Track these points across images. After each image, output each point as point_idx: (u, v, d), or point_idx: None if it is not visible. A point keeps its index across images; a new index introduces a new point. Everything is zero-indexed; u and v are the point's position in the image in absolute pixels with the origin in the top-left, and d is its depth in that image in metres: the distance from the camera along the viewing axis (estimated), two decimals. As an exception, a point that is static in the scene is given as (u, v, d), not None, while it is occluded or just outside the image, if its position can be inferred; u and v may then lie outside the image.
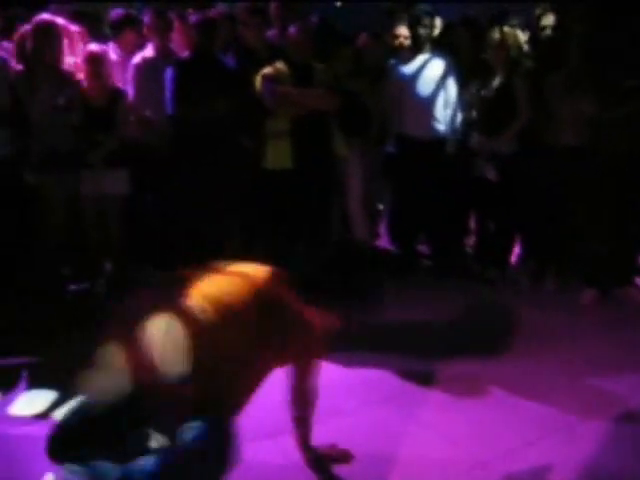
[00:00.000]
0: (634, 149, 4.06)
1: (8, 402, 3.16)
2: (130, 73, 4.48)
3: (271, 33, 4.94)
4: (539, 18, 4.97)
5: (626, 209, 4.22)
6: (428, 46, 4.81)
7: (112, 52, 4.46)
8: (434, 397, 3.23)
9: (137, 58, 4.49)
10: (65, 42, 4.12)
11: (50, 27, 4.07)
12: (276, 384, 3.21)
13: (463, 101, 4.72)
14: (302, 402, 2.67)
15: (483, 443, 2.83)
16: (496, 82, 4.53)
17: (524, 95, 4.44)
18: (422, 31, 4.77)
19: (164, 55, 4.47)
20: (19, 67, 4.13)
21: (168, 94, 4.31)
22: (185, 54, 4.53)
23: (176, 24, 4.65)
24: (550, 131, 4.36)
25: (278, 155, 4.35)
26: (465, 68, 4.77)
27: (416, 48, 4.81)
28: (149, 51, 4.50)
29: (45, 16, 4.15)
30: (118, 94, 4.31)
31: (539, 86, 4.43)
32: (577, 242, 4.44)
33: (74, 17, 4.51)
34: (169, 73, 4.32)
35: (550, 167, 4.36)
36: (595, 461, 2.70)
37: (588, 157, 4.23)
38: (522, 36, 4.76)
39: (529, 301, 4.33)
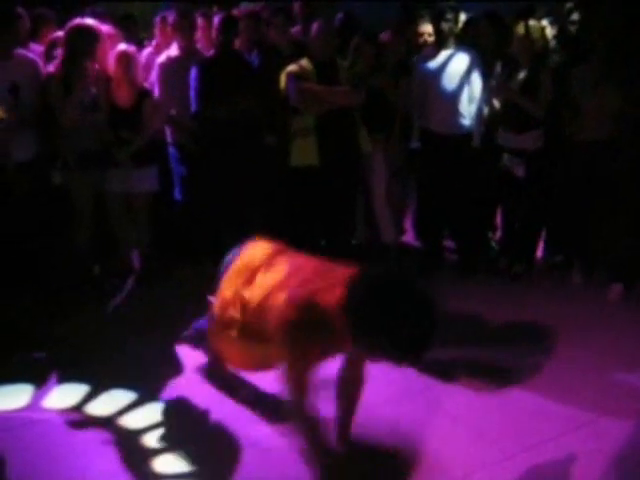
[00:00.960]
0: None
1: (42, 395, 3.23)
2: (155, 72, 4.54)
3: (295, 30, 4.97)
4: (569, 13, 4.94)
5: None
6: (452, 41, 4.79)
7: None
8: (460, 391, 3.24)
9: (162, 57, 4.55)
10: (98, 45, 4.17)
11: (86, 31, 4.11)
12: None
13: (488, 96, 4.70)
14: (349, 392, 2.72)
15: (509, 437, 2.84)
16: (521, 76, 4.51)
17: (548, 90, 4.41)
18: (445, 26, 4.76)
19: (189, 54, 4.51)
20: (50, 69, 4.19)
21: (192, 93, 4.36)
22: (210, 53, 4.58)
23: (201, 23, 4.70)
24: (576, 126, 4.32)
25: (304, 152, 4.38)
26: (489, 62, 4.76)
27: (439, 43, 4.80)
28: (174, 50, 4.56)
29: (81, 20, 4.19)
30: (145, 93, 4.37)
31: (566, 81, 4.40)
32: (603, 237, 4.41)
33: (109, 19, 4.59)
34: (193, 72, 4.36)
35: (576, 162, 4.33)
36: (619, 456, 2.70)
37: (614, 151, 4.19)
38: (550, 30, 4.72)
39: (556, 296, 4.31)
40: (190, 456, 2.77)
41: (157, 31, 4.88)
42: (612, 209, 4.33)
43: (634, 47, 4.22)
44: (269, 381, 3.27)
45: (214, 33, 4.51)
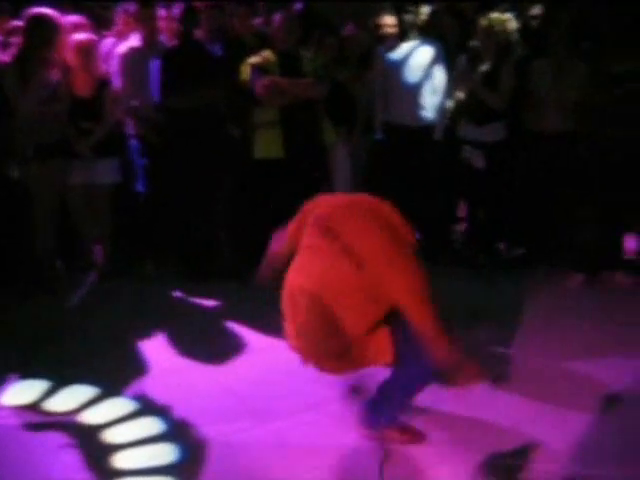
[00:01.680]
0: (618, 134, 4.08)
1: None
2: (116, 63, 4.46)
3: (257, 22, 4.93)
4: (528, 7, 4.99)
5: (613, 193, 4.24)
6: (414, 33, 4.81)
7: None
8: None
9: (123, 47, 4.47)
10: (58, 35, 4.08)
11: (45, 20, 4.02)
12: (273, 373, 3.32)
13: (450, 87, 4.73)
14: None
15: (476, 427, 2.86)
16: (484, 68, 4.54)
17: (510, 82, 4.45)
18: (407, 18, 4.78)
19: (150, 45, 4.45)
20: (5, 58, 4.08)
21: (155, 84, 4.30)
22: (172, 44, 4.52)
23: (162, 14, 4.64)
24: (537, 118, 4.38)
25: (268, 144, 4.35)
26: (452, 55, 4.78)
27: (401, 35, 4.81)
28: (135, 41, 4.48)
29: (39, 9, 4.09)
30: (105, 83, 4.29)
31: (527, 73, 4.45)
32: (564, 227, 4.47)
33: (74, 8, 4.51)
34: (156, 63, 4.30)
35: (536, 154, 4.39)
36: (582, 443, 2.74)
37: (574, 142, 4.25)
38: (513, 23, 4.75)
39: (518, 286, 4.36)
40: (153, 452, 2.74)
41: (118, 21, 4.80)
42: (573, 199, 4.40)
43: (593, 41, 4.29)
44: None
45: (175, 24, 4.46)
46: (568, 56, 4.29)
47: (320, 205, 2.70)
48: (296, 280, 2.61)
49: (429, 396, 2.80)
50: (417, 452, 2.71)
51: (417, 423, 2.83)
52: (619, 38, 4.09)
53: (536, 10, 4.92)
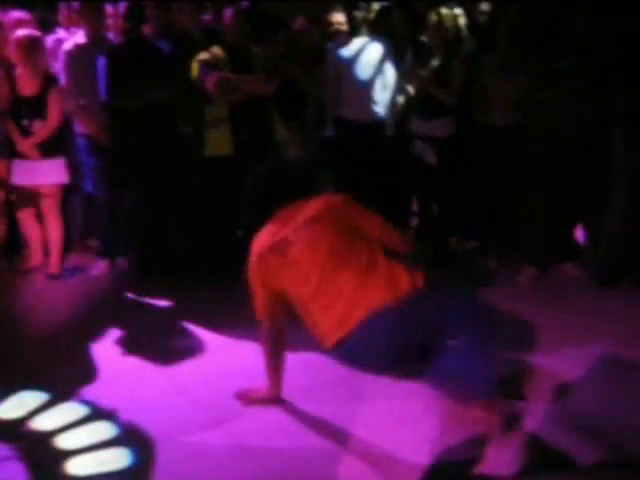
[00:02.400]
0: (564, 128, 4.15)
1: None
2: (61, 60, 4.36)
3: (206, 18, 4.87)
4: (477, 3, 5.04)
5: (561, 187, 4.31)
6: (365, 29, 4.82)
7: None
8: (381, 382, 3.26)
9: (69, 44, 4.37)
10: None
11: None
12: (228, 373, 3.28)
13: (401, 83, 4.75)
14: None
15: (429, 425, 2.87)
16: (434, 64, 4.57)
17: (459, 78, 4.49)
18: (358, 14, 4.79)
19: (96, 42, 4.35)
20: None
21: (102, 82, 4.21)
22: (119, 40, 4.43)
23: (110, 11, 4.55)
24: (485, 112, 4.43)
25: (218, 142, 4.30)
26: (403, 51, 4.81)
27: (352, 32, 4.82)
28: (81, 37, 4.38)
29: None
30: (51, 81, 4.18)
31: (476, 69, 4.49)
32: (515, 221, 4.53)
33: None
34: (102, 60, 4.21)
35: (486, 147, 4.44)
36: (534, 435, 2.77)
37: (521, 137, 4.31)
38: (463, 19, 4.79)
39: (471, 280, 4.40)
40: (104, 457, 2.68)
41: (61, 18, 4.69)
42: (523, 194, 4.46)
43: (538, 37, 4.35)
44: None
45: (121, 20, 4.37)
46: (513, 52, 4.34)
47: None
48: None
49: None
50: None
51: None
52: (561, 35, 4.16)
53: (484, 6, 4.97)
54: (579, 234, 4.67)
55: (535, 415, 2.82)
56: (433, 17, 4.53)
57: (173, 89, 4.27)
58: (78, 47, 4.34)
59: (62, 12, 4.66)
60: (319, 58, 4.88)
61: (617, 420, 2.77)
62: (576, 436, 2.67)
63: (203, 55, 4.26)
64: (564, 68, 4.13)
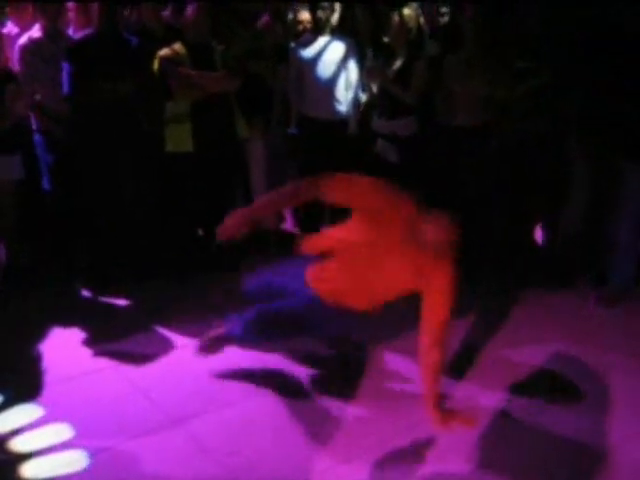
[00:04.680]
0: (525, 128, 4.21)
1: None
2: (16, 55, 4.25)
3: (166, 13, 4.81)
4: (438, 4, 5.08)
5: (522, 186, 4.37)
6: (329, 29, 4.81)
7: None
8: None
9: (23, 39, 4.27)
10: None
11: None
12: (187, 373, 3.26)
13: (364, 82, 4.76)
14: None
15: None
16: (397, 64, 4.59)
17: (421, 78, 4.51)
18: (321, 14, 4.79)
19: (53, 36, 4.25)
20: None
21: (65, 76, 4.11)
22: (78, 35, 4.34)
23: (71, 6, 4.46)
24: (448, 112, 4.46)
25: (179, 138, 4.24)
26: (366, 50, 4.82)
27: (316, 31, 4.82)
28: (36, 31, 4.28)
29: None
30: (7, 76, 4.08)
31: (439, 68, 4.52)
32: (477, 219, 4.57)
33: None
34: (67, 53, 4.11)
35: (448, 148, 4.47)
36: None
37: (484, 136, 4.36)
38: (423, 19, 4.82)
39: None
40: (60, 460, 2.64)
41: (10, 12, 4.58)
42: (484, 193, 4.51)
43: (500, 37, 4.41)
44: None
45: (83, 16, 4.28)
46: (477, 54, 4.38)
47: None
48: None
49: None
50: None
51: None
52: (520, 37, 4.22)
53: (444, 8, 5.01)
54: (537, 233, 4.75)
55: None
56: (395, 18, 4.55)
57: (138, 83, 4.19)
58: (33, 42, 4.24)
59: (11, 5, 4.54)
60: (283, 56, 4.87)
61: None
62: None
63: (164, 51, 4.20)
64: (524, 69, 4.19)
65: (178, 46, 4.23)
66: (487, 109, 4.33)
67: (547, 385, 3.21)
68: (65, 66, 4.08)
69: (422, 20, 4.79)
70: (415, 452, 2.68)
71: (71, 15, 4.47)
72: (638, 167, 3.84)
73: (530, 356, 3.43)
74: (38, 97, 4.24)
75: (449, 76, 4.42)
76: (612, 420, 2.90)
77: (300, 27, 4.94)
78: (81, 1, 4.46)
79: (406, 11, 4.59)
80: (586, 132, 4.05)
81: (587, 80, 3.97)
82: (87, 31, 4.28)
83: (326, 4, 4.80)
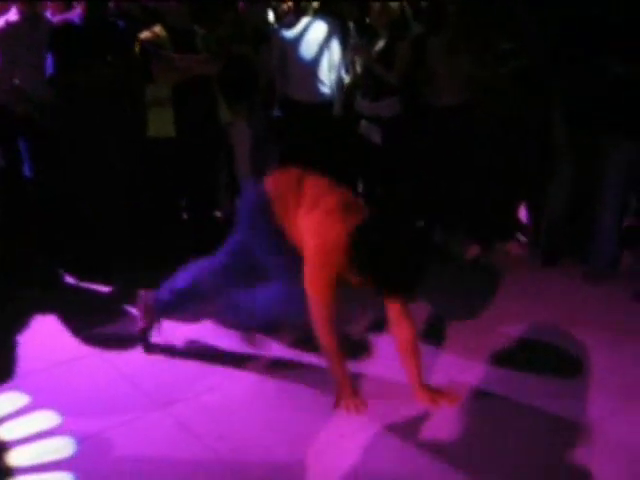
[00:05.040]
0: (510, 108, 4.21)
1: None
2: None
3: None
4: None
5: (505, 165, 4.38)
6: (311, 10, 4.78)
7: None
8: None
9: (0, 22, 4.20)
10: None
11: None
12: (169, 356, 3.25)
13: (347, 63, 4.73)
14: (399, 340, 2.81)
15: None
16: (380, 45, 4.56)
17: (404, 59, 4.48)
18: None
19: (31, 19, 4.19)
20: None
21: (50, 59, 4.05)
22: (57, 19, 4.28)
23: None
24: (431, 93, 4.45)
25: (161, 123, 4.19)
26: (349, 30, 4.78)
27: (299, 12, 4.77)
28: (13, 15, 4.21)
29: None
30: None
31: (422, 49, 4.50)
32: (461, 199, 4.59)
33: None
34: (53, 37, 4.05)
35: (432, 127, 4.47)
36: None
37: (468, 116, 4.36)
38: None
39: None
40: (46, 448, 2.63)
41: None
42: (468, 172, 4.52)
43: (482, 18, 4.39)
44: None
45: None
46: (459, 33, 4.36)
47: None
48: None
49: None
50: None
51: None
52: (504, 17, 4.21)
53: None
54: (522, 213, 4.76)
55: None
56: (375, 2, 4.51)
57: (125, 67, 4.13)
58: (10, 25, 4.17)
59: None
60: (265, 38, 4.82)
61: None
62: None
63: (144, 34, 4.15)
64: (508, 50, 4.18)
65: (159, 29, 4.18)
66: (470, 89, 4.33)
67: (531, 359, 3.23)
68: (50, 49, 4.03)
69: (405, 1, 4.76)
70: (403, 431, 2.69)
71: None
72: (619, 143, 3.86)
73: (515, 331, 3.47)
74: (17, 82, 4.18)
75: (432, 57, 4.41)
76: (595, 395, 2.92)
77: (285, 6, 4.90)
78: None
79: (388, -7, 4.54)
80: (569, 112, 4.06)
81: (569, 60, 3.98)
82: (71, 14, 4.23)
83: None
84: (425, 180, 4.66)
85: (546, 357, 3.25)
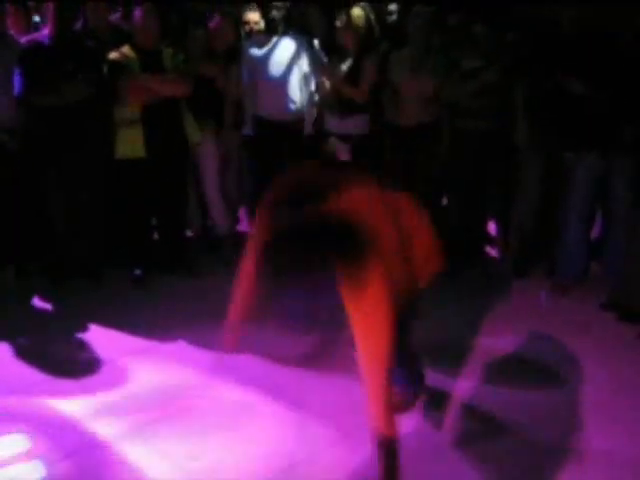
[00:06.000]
0: (477, 125, 4.28)
1: None
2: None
3: (115, 17, 4.75)
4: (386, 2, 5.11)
5: (473, 181, 4.44)
6: (281, 28, 4.80)
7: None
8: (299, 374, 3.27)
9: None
10: None
11: None
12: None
13: (317, 82, 4.78)
14: None
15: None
16: (348, 63, 4.61)
17: (371, 76, 4.53)
18: (275, 14, 4.77)
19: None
20: None
21: (17, 78, 4.02)
22: (25, 39, 4.27)
23: (10, 10, 4.38)
24: (396, 110, 4.50)
25: (130, 144, 4.20)
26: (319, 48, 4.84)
27: (270, 30, 4.80)
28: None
29: None
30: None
31: (387, 67, 4.55)
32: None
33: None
34: (22, 56, 4.04)
35: (398, 145, 4.52)
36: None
37: (433, 135, 4.42)
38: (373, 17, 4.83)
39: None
40: (16, 471, 2.61)
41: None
42: (436, 189, 4.57)
43: (446, 35, 4.47)
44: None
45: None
46: (424, 50, 4.43)
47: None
48: None
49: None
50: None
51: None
52: (468, 36, 4.28)
53: (393, 6, 5.04)
54: (492, 227, 4.83)
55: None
56: (342, 17, 4.56)
57: (96, 87, 4.14)
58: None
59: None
60: (234, 57, 4.84)
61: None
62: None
63: (113, 54, 4.17)
64: (472, 69, 4.25)
65: (127, 49, 4.20)
66: (433, 108, 4.39)
67: (498, 368, 3.30)
68: (19, 69, 4.01)
69: (373, 19, 4.81)
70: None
71: (10, 22, 4.37)
72: (581, 159, 3.95)
73: (487, 341, 3.54)
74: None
75: (394, 74, 4.46)
76: (563, 399, 3.04)
77: (247, 28, 4.92)
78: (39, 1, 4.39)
79: (355, 11, 4.57)
80: (534, 128, 4.13)
81: (533, 78, 4.06)
82: (39, 34, 4.23)
83: (280, 4, 4.80)
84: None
85: (520, 366, 3.33)
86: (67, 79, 4.05)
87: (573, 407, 2.99)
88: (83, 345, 3.61)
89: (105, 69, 4.16)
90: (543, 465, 2.61)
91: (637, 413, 2.94)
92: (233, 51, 4.85)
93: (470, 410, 2.97)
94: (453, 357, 3.36)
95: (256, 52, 4.79)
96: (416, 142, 4.44)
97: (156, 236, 4.62)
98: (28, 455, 2.70)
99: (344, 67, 4.59)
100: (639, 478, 2.54)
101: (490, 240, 4.81)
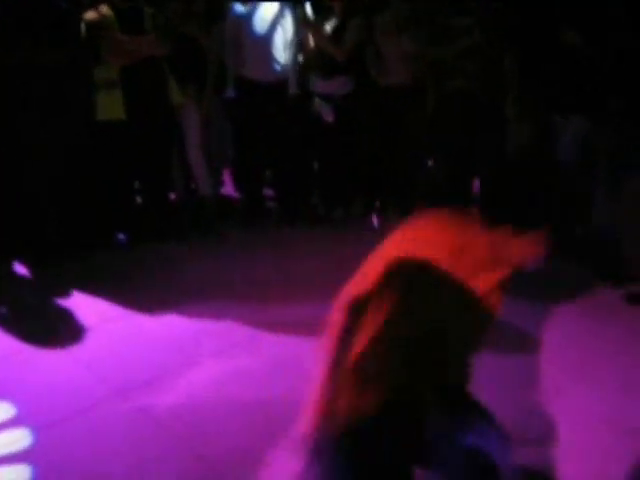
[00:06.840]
0: (463, 86, 4.23)
1: None
2: None
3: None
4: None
5: (460, 145, 4.41)
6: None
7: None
8: (282, 339, 3.29)
9: None
10: None
11: None
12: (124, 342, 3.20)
13: (301, 42, 4.70)
14: None
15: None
16: (333, 22, 4.53)
17: (354, 37, 4.46)
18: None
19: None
20: None
21: None
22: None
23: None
24: (379, 71, 4.45)
25: (110, 106, 4.12)
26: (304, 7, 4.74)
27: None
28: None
29: None
30: None
31: (371, 28, 4.48)
32: (413, 177, 4.62)
33: None
34: None
35: (379, 106, 4.48)
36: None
37: (416, 95, 4.38)
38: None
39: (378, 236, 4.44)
40: (5, 439, 2.59)
41: None
42: (418, 150, 4.55)
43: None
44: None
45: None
46: (408, 11, 4.36)
47: None
48: None
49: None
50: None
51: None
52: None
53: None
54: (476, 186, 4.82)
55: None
56: None
57: (71, 49, 4.02)
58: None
59: None
60: (218, 17, 4.73)
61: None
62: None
63: (90, 14, 4.05)
64: (459, 26, 4.19)
65: (105, 9, 4.09)
66: (418, 68, 4.34)
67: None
68: None
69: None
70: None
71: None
72: (568, 121, 3.93)
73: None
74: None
75: (381, 35, 4.40)
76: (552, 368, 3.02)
77: None
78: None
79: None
80: (520, 90, 4.10)
81: (521, 38, 4.01)
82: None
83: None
84: (376, 159, 4.68)
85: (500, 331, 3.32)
86: (38, 40, 3.92)
87: (555, 368, 3.01)
88: (66, 312, 3.58)
89: (83, 30, 4.05)
90: (527, 427, 2.63)
91: (620, 373, 2.98)
92: (216, 9, 4.75)
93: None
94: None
95: (239, 10, 4.69)
96: (400, 102, 4.40)
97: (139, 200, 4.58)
98: (14, 422, 2.69)
99: (328, 27, 4.52)
100: (619, 436, 2.59)
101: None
